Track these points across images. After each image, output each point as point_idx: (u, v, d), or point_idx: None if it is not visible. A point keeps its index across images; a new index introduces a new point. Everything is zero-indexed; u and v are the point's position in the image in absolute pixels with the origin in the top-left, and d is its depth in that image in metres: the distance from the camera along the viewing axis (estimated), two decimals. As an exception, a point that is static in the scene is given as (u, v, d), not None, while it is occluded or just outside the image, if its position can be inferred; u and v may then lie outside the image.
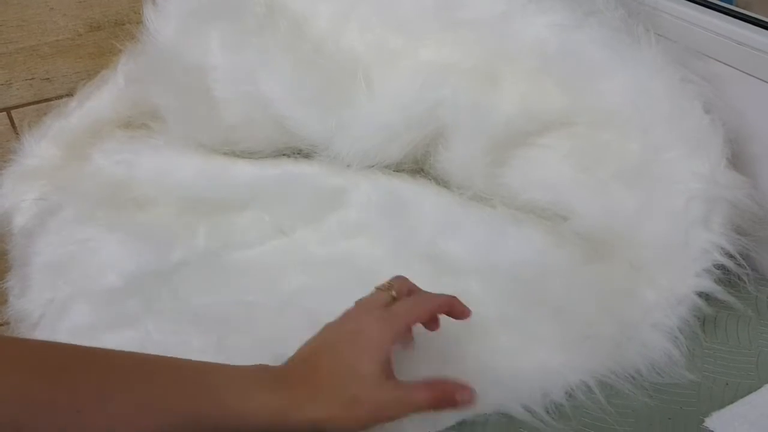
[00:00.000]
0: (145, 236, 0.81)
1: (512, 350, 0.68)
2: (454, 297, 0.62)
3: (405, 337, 0.62)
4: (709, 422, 0.62)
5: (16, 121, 1.06)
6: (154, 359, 0.52)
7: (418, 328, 0.69)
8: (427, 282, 0.75)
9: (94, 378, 0.47)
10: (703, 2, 0.82)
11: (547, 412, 0.63)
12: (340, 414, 0.53)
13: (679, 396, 0.65)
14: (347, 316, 0.60)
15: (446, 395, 0.56)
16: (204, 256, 0.80)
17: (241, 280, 0.77)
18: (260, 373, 0.55)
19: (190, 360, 0.53)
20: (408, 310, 0.60)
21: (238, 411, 0.51)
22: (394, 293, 0.61)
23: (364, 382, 0.54)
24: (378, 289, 0.62)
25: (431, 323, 0.64)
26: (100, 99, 0.99)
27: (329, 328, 0.59)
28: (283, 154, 0.90)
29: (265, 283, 0.75)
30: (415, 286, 0.64)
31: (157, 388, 0.49)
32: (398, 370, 0.62)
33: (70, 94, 1.02)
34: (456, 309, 0.62)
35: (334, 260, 0.79)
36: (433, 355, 0.68)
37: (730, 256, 0.72)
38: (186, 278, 0.76)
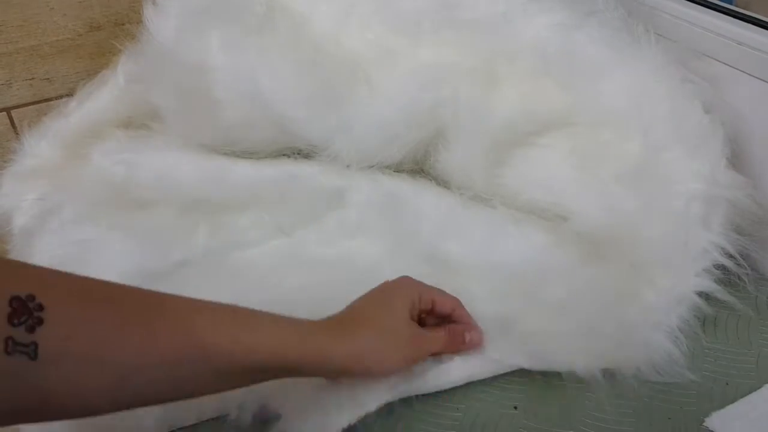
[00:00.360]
0: (145, 236, 0.81)
1: (512, 350, 0.68)
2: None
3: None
4: (709, 422, 0.62)
5: (16, 121, 1.06)
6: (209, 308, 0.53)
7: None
8: (427, 282, 0.75)
9: (135, 306, 0.48)
10: (703, 2, 0.82)
11: (547, 411, 0.64)
12: (380, 345, 0.57)
13: (679, 396, 0.65)
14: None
15: (457, 336, 0.64)
16: (204, 255, 0.80)
17: (241, 280, 0.77)
18: (295, 320, 0.56)
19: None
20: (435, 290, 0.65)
21: (268, 347, 0.52)
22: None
23: (398, 317, 0.59)
24: None
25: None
26: (100, 99, 0.98)
27: (357, 300, 0.62)
28: (283, 155, 0.90)
29: (265, 282, 0.75)
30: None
31: (184, 322, 0.50)
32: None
33: (70, 94, 1.02)
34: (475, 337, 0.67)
35: (335, 260, 0.79)
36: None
37: (730, 256, 0.72)
38: (186, 278, 0.76)
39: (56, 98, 1.06)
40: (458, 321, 0.66)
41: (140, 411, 0.56)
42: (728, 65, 0.78)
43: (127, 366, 0.45)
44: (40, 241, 0.80)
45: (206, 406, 0.65)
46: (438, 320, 0.66)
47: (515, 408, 0.65)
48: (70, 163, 0.92)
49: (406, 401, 0.64)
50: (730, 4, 0.81)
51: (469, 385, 0.67)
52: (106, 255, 0.77)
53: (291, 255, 0.80)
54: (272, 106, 0.85)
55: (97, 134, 0.94)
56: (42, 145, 0.96)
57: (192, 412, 0.65)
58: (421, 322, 0.65)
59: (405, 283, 0.63)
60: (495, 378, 0.68)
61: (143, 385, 0.47)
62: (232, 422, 0.63)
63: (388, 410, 0.62)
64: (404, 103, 0.84)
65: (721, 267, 0.72)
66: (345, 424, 0.59)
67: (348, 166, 0.87)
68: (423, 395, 0.65)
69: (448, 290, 0.72)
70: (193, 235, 0.82)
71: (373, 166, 0.87)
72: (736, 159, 0.75)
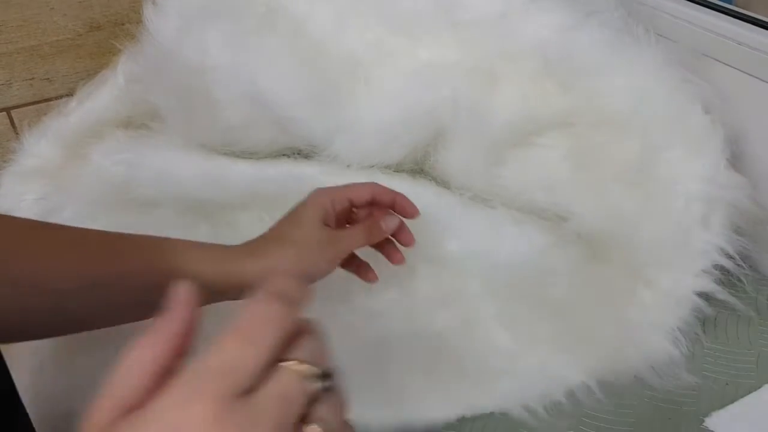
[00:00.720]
0: (145, 236, 0.81)
1: (512, 350, 0.68)
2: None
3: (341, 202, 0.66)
4: (709, 422, 0.62)
5: (15, 121, 1.06)
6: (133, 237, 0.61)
7: (420, 332, 0.70)
8: (428, 282, 0.75)
9: (72, 238, 0.57)
10: (703, 2, 0.82)
11: (547, 411, 0.64)
12: (293, 257, 0.61)
13: (679, 396, 0.65)
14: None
15: (374, 228, 0.66)
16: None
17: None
18: (213, 247, 0.62)
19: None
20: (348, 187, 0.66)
21: (179, 266, 0.58)
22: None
23: (308, 227, 0.62)
24: None
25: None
26: (100, 99, 0.99)
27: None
28: (283, 155, 0.90)
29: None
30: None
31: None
32: (397, 369, 0.63)
33: (70, 94, 1.02)
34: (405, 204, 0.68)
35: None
36: (432, 355, 0.68)
37: (730, 257, 0.72)
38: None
39: (56, 98, 1.05)
40: (381, 204, 0.68)
41: None
42: (728, 65, 0.78)
43: (63, 291, 0.52)
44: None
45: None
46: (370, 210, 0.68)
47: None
48: (70, 163, 0.92)
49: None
50: (730, 4, 0.81)
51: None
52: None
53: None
54: (272, 107, 0.84)
55: (97, 134, 0.94)
56: (42, 145, 0.96)
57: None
58: (352, 222, 0.68)
59: (314, 195, 0.65)
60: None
61: (77, 309, 0.54)
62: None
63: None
64: (404, 103, 0.84)
65: (721, 267, 0.72)
66: None
67: (348, 167, 0.86)
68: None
69: (448, 291, 0.72)
70: (193, 234, 0.82)
71: (372, 167, 0.87)
72: (736, 159, 0.75)
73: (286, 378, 0.33)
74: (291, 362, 0.33)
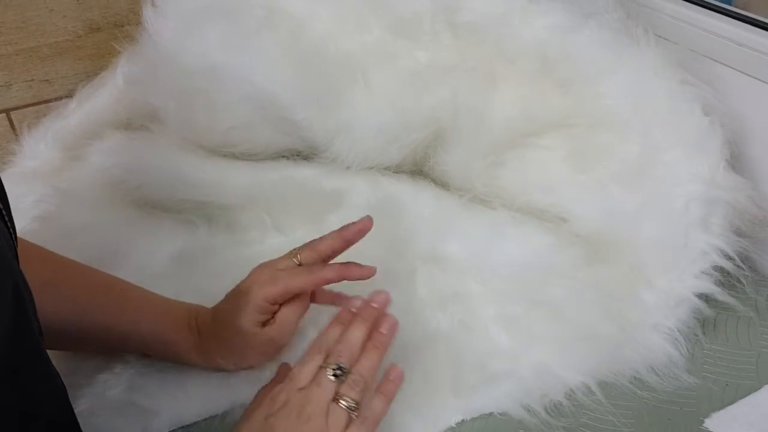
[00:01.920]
0: (144, 237, 0.81)
1: (512, 350, 0.68)
2: (350, 264, 0.67)
3: (295, 300, 0.66)
4: (709, 423, 0.62)
5: (15, 122, 1.06)
6: (124, 286, 0.69)
7: (420, 333, 0.70)
8: (427, 283, 0.75)
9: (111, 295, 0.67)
10: (702, 3, 0.82)
11: (547, 412, 0.64)
12: (233, 361, 0.67)
13: (679, 397, 0.65)
14: (250, 273, 0.68)
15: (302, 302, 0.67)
16: (204, 256, 0.80)
17: (241, 279, 0.77)
18: (183, 316, 0.68)
19: (147, 294, 0.69)
20: (296, 274, 0.65)
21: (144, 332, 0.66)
22: (297, 260, 0.67)
23: (247, 335, 0.64)
24: (288, 253, 0.68)
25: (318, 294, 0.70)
26: (100, 100, 0.98)
27: (236, 288, 0.68)
28: (283, 156, 0.90)
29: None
30: (327, 253, 0.68)
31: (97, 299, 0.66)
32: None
33: (69, 96, 1.02)
34: (353, 273, 0.66)
35: (336, 260, 0.79)
36: (432, 356, 0.68)
37: (729, 258, 0.72)
38: (186, 279, 0.76)
39: (55, 100, 1.05)
40: (360, 278, 0.67)
41: (145, 412, 0.62)
42: (728, 66, 0.78)
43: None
44: (39, 242, 0.80)
45: (207, 406, 0.65)
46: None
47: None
48: (69, 165, 0.92)
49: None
50: (729, 5, 0.81)
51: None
52: (106, 256, 0.77)
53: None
54: (271, 108, 0.85)
55: (96, 135, 0.94)
56: (41, 147, 0.96)
57: (194, 412, 0.65)
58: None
59: (253, 294, 0.64)
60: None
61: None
62: (233, 420, 0.64)
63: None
64: (403, 104, 0.84)
65: (721, 268, 0.72)
66: None
67: (347, 168, 0.87)
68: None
69: (447, 292, 0.72)
70: (192, 234, 0.82)
71: (372, 168, 0.87)
72: (736, 160, 0.76)
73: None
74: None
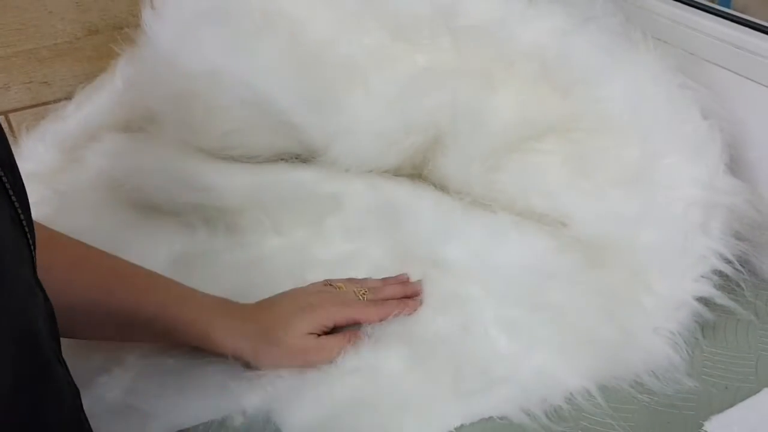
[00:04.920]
0: (143, 240, 0.81)
1: (512, 355, 0.68)
2: (407, 300, 0.73)
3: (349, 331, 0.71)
4: (709, 426, 0.62)
5: (13, 124, 1.05)
6: (150, 272, 0.70)
7: (419, 336, 0.69)
8: (427, 286, 0.75)
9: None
10: (701, 6, 0.82)
11: (547, 416, 0.64)
12: (266, 356, 0.67)
13: (679, 400, 0.65)
14: (311, 287, 0.73)
15: (360, 336, 0.70)
16: (203, 258, 0.80)
17: (241, 280, 0.77)
18: (212, 302, 0.69)
19: (172, 281, 0.70)
20: (367, 306, 0.71)
21: (171, 318, 0.66)
22: (363, 295, 0.73)
23: (290, 331, 0.67)
24: (351, 282, 0.75)
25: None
26: (98, 103, 0.98)
27: (290, 292, 0.72)
28: (281, 159, 0.90)
29: (266, 283, 0.75)
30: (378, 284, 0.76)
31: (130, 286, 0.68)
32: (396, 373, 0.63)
33: (68, 98, 1.02)
34: (414, 305, 0.73)
35: (335, 264, 0.79)
36: (432, 359, 0.68)
37: (729, 262, 0.72)
38: (185, 281, 0.76)
39: (54, 102, 1.05)
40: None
41: (144, 416, 0.61)
42: (726, 69, 0.78)
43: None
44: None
45: (206, 410, 0.65)
46: None
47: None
48: (67, 167, 0.92)
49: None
50: (727, 7, 0.81)
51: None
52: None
53: (291, 257, 0.80)
54: (270, 111, 0.85)
55: (95, 138, 0.94)
56: (40, 149, 0.96)
57: (192, 416, 0.65)
58: None
59: (322, 308, 0.69)
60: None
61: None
62: (232, 426, 0.63)
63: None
64: (402, 108, 0.84)
65: (720, 272, 0.72)
66: None
67: (346, 171, 0.87)
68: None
69: (447, 295, 0.72)
70: (191, 237, 0.82)
71: (371, 171, 0.87)
72: (735, 164, 0.76)
73: None
74: None
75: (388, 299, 0.73)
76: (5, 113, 1.05)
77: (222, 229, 0.84)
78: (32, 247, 0.43)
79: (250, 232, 0.84)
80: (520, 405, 0.64)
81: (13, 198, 0.41)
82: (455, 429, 0.63)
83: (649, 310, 0.71)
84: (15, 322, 0.38)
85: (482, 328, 0.70)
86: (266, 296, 0.73)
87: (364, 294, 0.73)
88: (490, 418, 0.64)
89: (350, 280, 0.76)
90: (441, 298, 0.74)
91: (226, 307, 0.69)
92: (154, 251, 0.80)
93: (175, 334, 0.67)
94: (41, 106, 1.06)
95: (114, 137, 0.92)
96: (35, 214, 0.83)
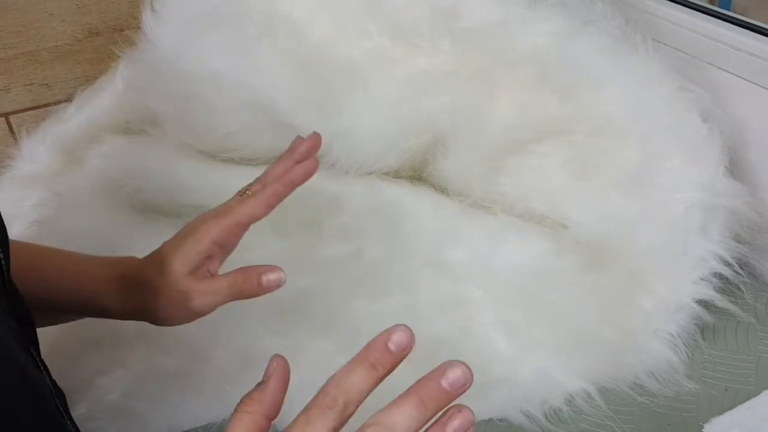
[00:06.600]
0: (143, 242, 0.81)
1: (512, 356, 0.68)
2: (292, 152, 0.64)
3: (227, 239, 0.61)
4: (708, 428, 0.62)
5: (14, 126, 1.05)
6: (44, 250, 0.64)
7: (419, 338, 0.69)
8: (428, 288, 0.75)
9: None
10: (701, 8, 0.83)
11: (547, 418, 0.64)
12: (154, 307, 0.59)
13: (679, 402, 0.65)
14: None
15: (248, 279, 0.58)
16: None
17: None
18: (102, 263, 0.62)
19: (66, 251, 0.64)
20: (243, 202, 0.60)
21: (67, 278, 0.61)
22: (250, 191, 0.62)
23: (165, 276, 0.58)
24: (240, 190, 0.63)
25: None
26: (99, 105, 0.98)
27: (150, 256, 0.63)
28: (282, 161, 0.90)
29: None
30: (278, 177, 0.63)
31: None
32: (396, 374, 0.62)
33: (68, 100, 1.02)
34: (299, 154, 0.64)
35: (335, 264, 0.79)
36: (431, 361, 0.68)
37: (729, 264, 0.72)
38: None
39: (55, 104, 1.05)
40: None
41: (142, 418, 0.61)
42: (726, 71, 0.78)
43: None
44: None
45: (204, 413, 0.65)
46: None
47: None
48: (68, 169, 0.92)
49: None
50: (728, 10, 0.82)
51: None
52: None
53: (291, 258, 0.80)
54: (271, 113, 0.85)
55: (95, 140, 0.94)
56: (40, 151, 0.96)
57: (191, 419, 0.65)
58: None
59: (183, 240, 0.60)
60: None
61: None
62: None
63: None
64: (402, 110, 0.84)
65: (720, 275, 0.72)
66: None
67: (346, 173, 0.87)
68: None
69: (447, 297, 0.72)
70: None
71: (371, 173, 0.87)
72: (734, 167, 0.76)
73: None
74: None
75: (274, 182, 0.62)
76: (6, 115, 1.05)
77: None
78: (3, 260, 0.42)
79: (250, 233, 0.83)
80: (520, 407, 0.64)
81: None
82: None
83: (648, 312, 0.71)
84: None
85: (482, 329, 0.70)
86: (269, 295, 0.72)
87: (248, 192, 0.62)
88: (490, 419, 0.64)
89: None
90: (441, 299, 0.74)
91: (110, 268, 0.62)
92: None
93: (65, 306, 0.61)
94: (42, 108, 1.06)
95: (114, 139, 0.93)
96: (36, 215, 0.83)
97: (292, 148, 0.64)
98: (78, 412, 0.64)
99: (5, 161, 0.96)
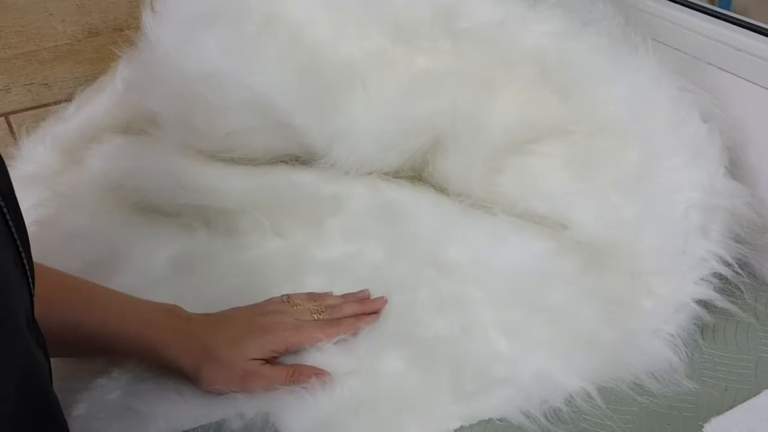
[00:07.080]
0: (143, 242, 0.81)
1: (512, 356, 0.68)
2: (362, 316, 0.72)
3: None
4: (708, 428, 0.62)
5: (14, 126, 1.05)
6: (92, 286, 0.68)
7: (419, 338, 0.69)
8: (428, 288, 0.75)
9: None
10: (701, 8, 0.83)
11: (547, 418, 0.64)
12: (214, 373, 0.65)
13: (678, 402, 0.65)
14: (267, 304, 0.71)
15: (302, 376, 0.66)
16: (203, 260, 0.80)
17: (242, 282, 0.77)
18: (157, 315, 0.67)
19: (116, 295, 0.68)
20: (319, 327, 0.70)
21: (120, 330, 0.65)
22: (317, 317, 0.71)
23: (235, 353, 0.66)
24: (310, 299, 0.73)
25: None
26: (99, 105, 0.98)
27: (245, 309, 0.71)
28: (281, 161, 0.90)
29: (267, 284, 0.76)
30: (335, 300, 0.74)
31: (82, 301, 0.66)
32: (396, 374, 0.63)
33: (68, 100, 1.02)
34: (367, 320, 0.72)
35: (335, 265, 0.79)
36: (431, 361, 0.68)
37: (729, 265, 0.72)
38: (185, 284, 0.76)
39: (54, 104, 1.05)
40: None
41: (143, 418, 0.62)
42: (726, 71, 0.78)
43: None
44: (38, 247, 0.80)
45: (204, 413, 0.65)
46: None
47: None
48: (68, 169, 0.92)
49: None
50: (728, 9, 0.82)
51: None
52: (105, 260, 0.77)
53: (291, 259, 0.80)
54: (270, 113, 0.85)
55: (95, 140, 0.94)
56: (40, 151, 0.96)
57: (191, 418, 0.65)
58: None
59: (263, 334, 0.68)
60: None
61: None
62: (231, 429, 0.64)
63: None
64: (402, 110, 0.84)
65: (720, 275, 0.72)
66: None
67: (346, 173, 0.87)
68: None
69: (447, 297, 0.72)
70: (191, 239, 0.82)
71: (371, 173, 0.87)
72: (735, 167, 0.76)
73: None
74: None
75: (344, 318, 0.72)
76: (6, 115, 1.05)
77: (222, 230, 0.84)
78: (31, 288, 0.43)
79: (250, 233, 0.84)
80: (520, 407, 0.64)
81: (16, 236, 0.40)
82: (454, 430, 0.63)
83: (648, 312, 0.71)
84: (21, 361, 0.38)
85: (482, 329, 0.70)
86: (266, 297, 0.73)
87: (320, 313, 0.71)
88: (490, 419, 0.64)
89: (309, 296, 0.74)
90: (441, 299, 0.74)
91: (172, 320, 0.67)
92: (154, 253, 0.80)
93: (119, 349, 0.66)
94: (42, 107, 1.07)
95: (114, 139, 0.92)
96: (36, 215, 0.83)
97: (363, 298, 0.75)
98: (77, 412, 0.64)
99: (5, 161, 0.96)
